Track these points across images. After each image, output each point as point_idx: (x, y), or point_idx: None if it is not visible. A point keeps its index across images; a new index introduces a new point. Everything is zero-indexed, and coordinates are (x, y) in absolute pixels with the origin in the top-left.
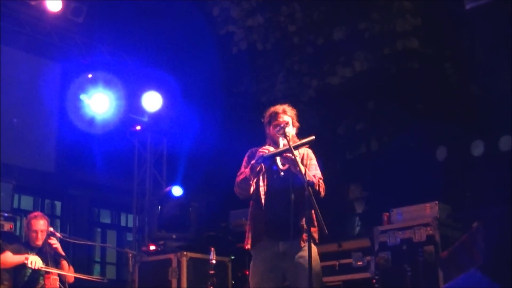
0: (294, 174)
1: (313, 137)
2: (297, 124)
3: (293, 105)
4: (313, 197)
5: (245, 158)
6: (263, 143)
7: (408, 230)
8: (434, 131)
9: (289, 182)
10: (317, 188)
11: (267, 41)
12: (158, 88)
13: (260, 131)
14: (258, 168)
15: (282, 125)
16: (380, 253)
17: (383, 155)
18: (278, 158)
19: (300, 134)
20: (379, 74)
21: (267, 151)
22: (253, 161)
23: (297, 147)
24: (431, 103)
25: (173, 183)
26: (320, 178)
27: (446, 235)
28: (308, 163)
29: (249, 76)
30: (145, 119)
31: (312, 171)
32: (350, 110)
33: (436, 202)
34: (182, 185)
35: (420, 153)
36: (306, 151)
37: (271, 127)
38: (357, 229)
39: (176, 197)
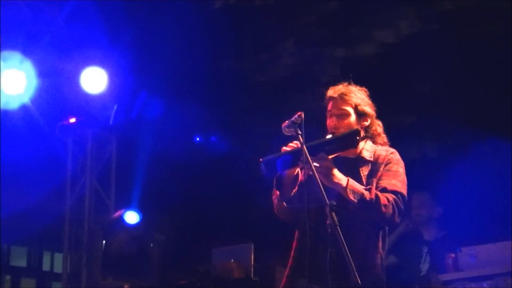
0: (327, 188)
1: (356, 129)
2: (370, 112)
3: (310, 87)
4: (338, 229)
5: None
6: (265, 142)
7: (487, 280)
8: None
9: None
10: (382, 208)
11: None
12: (104, 62)
13: (262, 125)
14: (276, 182)
15: (293, 119)
16: None
17: (445, 164)
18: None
19: (319, 131)
20: (439, 41)
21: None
22: None
23: (318, 148)
24: None
25: (126, 205)
26: (395, 193)
27: None
28: (381, 169)
29: (241, 45)
30: (87, 107)
31: (384, 180)
32: (394, 96)
33: None
34: (140, 209)
35: (504, 163)
36: (385, 152)
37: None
38: (425, 267)
39: (130, 226)
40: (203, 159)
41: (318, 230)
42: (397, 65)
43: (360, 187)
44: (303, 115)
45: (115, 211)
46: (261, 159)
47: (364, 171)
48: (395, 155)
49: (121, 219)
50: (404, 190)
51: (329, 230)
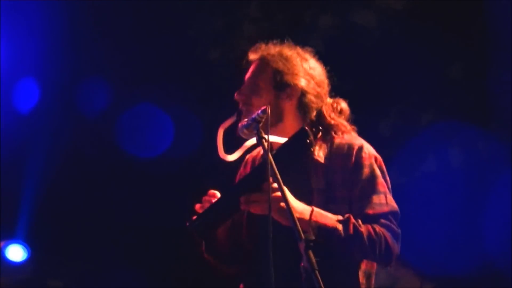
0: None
1: (303, 128)
2: (295, 82)
3: None
4: (317, 273)
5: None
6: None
7: None
8: None
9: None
10: (368, 249)
11: None
12: None
13: (213, 123)
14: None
15: (254, 116)
16: None
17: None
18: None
19: None
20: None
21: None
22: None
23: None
24: None
25: (8, 236)
26: (382, 216)
27: None
28: (349, 180)
29: (184, 10)
30: None
31: (360, 201)
32: (403, 83)
33: None
34: (28, 243)
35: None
36: (345, 150)
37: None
38: None
39: (13, 265)
40: (124, 174)
41: (285, 276)
42: (406, 41)
43: (331, 220)
44: (269, 110)
45: None
46: (187, 223)
47: (319, 183)
48: (365, 150)
49: (2, 256)
50: (393, 205)
51: (304, 275)
